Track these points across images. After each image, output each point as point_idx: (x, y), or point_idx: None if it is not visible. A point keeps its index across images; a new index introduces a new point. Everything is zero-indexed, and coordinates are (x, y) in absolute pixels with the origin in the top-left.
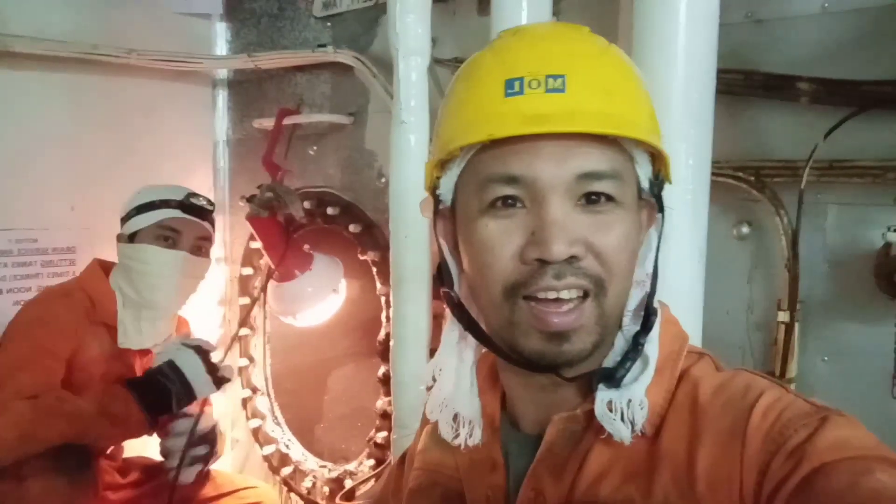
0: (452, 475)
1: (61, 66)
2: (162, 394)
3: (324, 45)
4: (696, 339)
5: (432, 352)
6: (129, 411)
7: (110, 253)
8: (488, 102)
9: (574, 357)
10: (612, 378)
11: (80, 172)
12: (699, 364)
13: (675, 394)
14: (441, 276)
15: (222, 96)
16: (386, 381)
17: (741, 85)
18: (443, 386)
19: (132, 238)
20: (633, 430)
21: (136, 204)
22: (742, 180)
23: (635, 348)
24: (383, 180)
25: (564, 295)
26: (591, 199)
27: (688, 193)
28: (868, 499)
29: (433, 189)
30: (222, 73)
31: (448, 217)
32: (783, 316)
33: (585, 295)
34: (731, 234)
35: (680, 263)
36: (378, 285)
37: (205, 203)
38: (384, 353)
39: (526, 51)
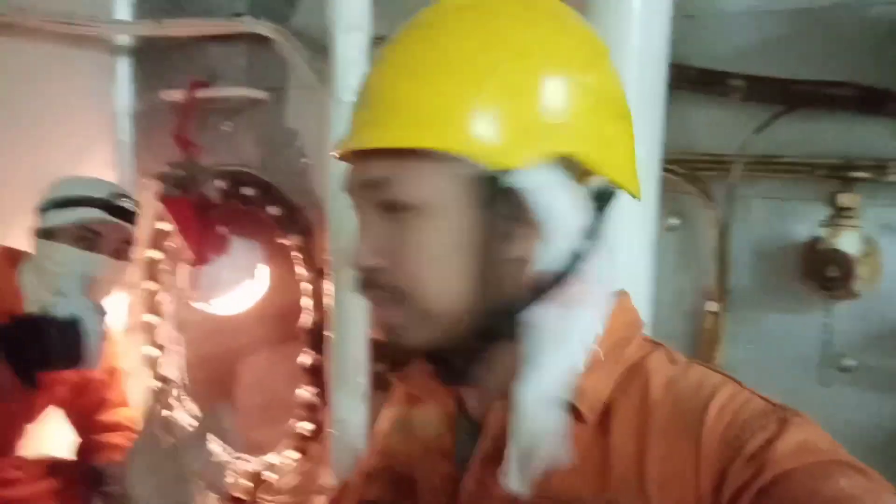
0: (406, 461)
1: None
2: (40, 346)
3: (240, 15)
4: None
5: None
6: None
7: (3, 231)
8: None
9: (413, 348)
10: (473, 377)
11: None
12: (653, 355)
13: (626, 383)
14: None
15: (122, 64)
16: (312, 370)
17: (673, 79)
18: None
19: (49, 234)
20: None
21: (55, 197)
22: (673, 173)
23: (488, 346)
24: (305, 161)
25: (373, 299)
26: (392, 209)
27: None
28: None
29: None
30: (123, 40)
31: None
32: (712, 306)
33: (391, 301)
34: (661, 226)
35: (630, 258)
36: (299, 270)
37: (130, 205)
38: (311, 341)
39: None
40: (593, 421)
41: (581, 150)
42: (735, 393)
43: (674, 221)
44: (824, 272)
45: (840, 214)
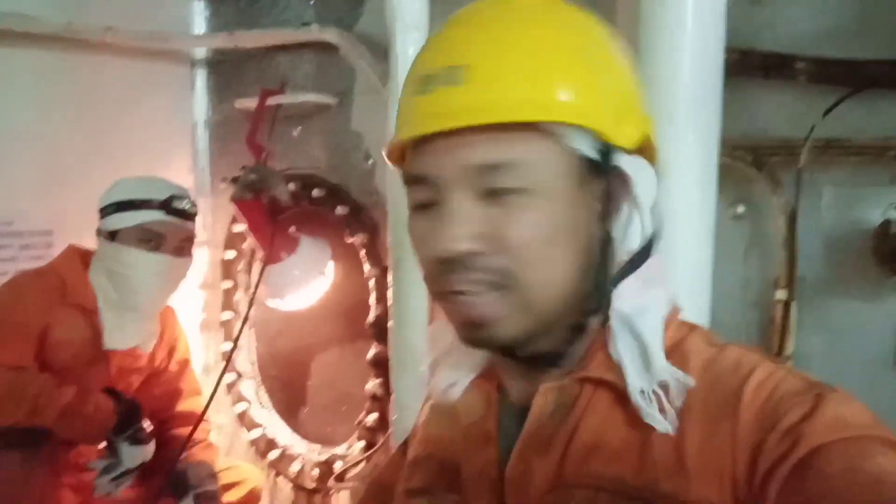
0: (449, 448)
1: (34, 44)
2: (130, 418)
3: (307, 24)
4: (704, 320)
5: None
6: (97, 417)
7: (88, 236)
8: (405, 103)
9: (508, 340)
10: (556, 362)
11: (56, 153)
12: (690, 337)
13: None
14: None
15: (201, 76)
16: (376, 363)
17: (738, 64)
18: (441, 343)
19: (113, 236)
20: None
21: (116, 199)
22: (739, 160)
23: (578, 329)
24: (371, 162)
25: (467, 288)
26: (496, 192)
27: (696, 174)
28: (867, 484)
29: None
30: (201, 53)
31: None
32: (781, 294)
33: (494, 288)
34: (727, 214)
35: (688, 245)
36: (366, 268)
37: (188, 206)
38: (377, 335)
39: (440, 41)
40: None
41: (651, 133)
42: (772, 371)
43: (741, 209)
44: None
45: None
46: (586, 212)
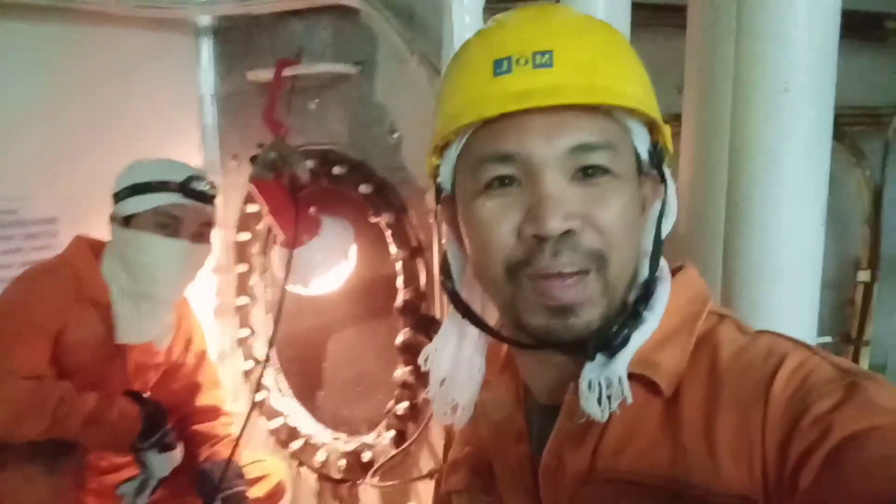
0: (483, 446)
1: (31, 16)
2: (156, 422)
3: None
4: (814, 297)
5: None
6: (122, 424)
7: (96, 223)
8: (478, 84)
9: (581, 330)
10: (609, 346)
11: (58, 134)
12: (721, 326)
13: (695, 356)
14: (443, 265)
15: (207, 46)
16: (406, 349)
17: None
18: (440, 368)
19: (127, 221)
20: (609, 408)
21: (131, 183)
22: None
23: (633, 316)
24: (396, 136)
25: (566, 269)
26: (586, 173)
27: (811, 147)
28: None
29: (434, 177)
30: (206, 21)
31: (450, 203)
32: (864, 275)
33: (587, 270)
34: None
35: (802, 221)
36: (392, 249)
37: (207, 188)
38: (406, 320)
39: (512, 31)
40: (668, 394)
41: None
42: (805, 359)
43: None
44: None
45: None
46: (639, 202)
